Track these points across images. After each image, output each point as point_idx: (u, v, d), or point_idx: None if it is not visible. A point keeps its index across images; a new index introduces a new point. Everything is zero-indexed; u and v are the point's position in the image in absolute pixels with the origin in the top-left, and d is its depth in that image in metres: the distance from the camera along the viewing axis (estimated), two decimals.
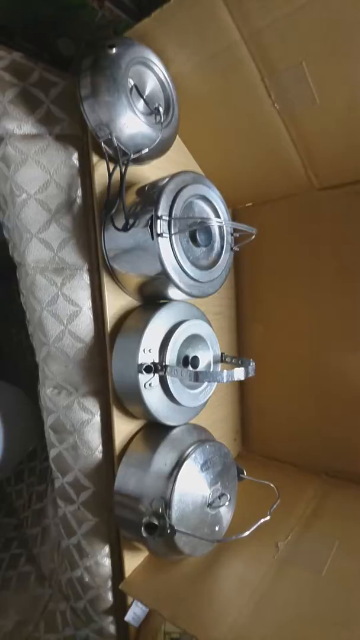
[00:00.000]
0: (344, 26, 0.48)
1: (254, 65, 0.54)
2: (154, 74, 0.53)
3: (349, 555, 0.58)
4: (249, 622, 0.49)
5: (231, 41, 0.52)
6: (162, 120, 0.53)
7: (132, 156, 0.51)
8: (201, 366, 0.59)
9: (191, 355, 0.57)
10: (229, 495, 0.57)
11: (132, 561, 0.60)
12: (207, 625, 0.49)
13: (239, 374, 0.50)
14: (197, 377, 0.49)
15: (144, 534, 0.49)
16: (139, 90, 0.51)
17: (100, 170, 0.54)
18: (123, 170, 0.50)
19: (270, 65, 0.53)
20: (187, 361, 0.57)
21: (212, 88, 0.59)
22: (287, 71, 0.53)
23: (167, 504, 0.50)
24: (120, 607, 0.61)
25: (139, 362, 0.51)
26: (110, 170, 0.52)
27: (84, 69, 0.48)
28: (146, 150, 0.51)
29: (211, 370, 0.60)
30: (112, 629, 0.62)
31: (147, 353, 0.52)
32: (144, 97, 0.51)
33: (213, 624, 0.49)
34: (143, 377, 0.52)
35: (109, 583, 0.60)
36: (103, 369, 0.57)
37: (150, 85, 0.53)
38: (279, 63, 0.53)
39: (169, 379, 0.53)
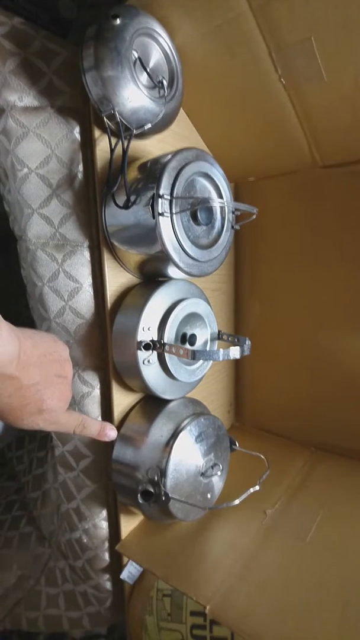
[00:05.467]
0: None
1: (262, 38, 0.52)
2: (158, 46, 0.51)
3: (331, 524, 0.61)
4: (235, 582, 0.53)
5: (239, 12, 0.50)
6: (165, 95, 0.52)
7: (135, 132, 0.50)
8: (199, 343, 0.60)
9: (189, 332, 0.58)
10: (221, 466, 0.60)
11: (128, 524, 0.64)
12: (197, 583, 0.53)
13: (234, 352, 0.52)
14: (195, 356, 0.50)
15: (140, 501, 0.52)
16: (142, 63, 0.49)
17: (102, 145, 0.53)
18: (125, 146, 0.50)
19: (278, 38, 0.52)
20: (185, 338, 0.58)
21: (217, 60, 0.57)
22: (296, 46, 0.52)
23: (163, 473, 0.53)
24: (116, 566, 0.65)
25: (138, 339, 0.53)
26: (112, 145, 0.51)
27: (87, 39, 0.47)
28: (149, 125, 0.51)
29: (208, 348, 0.61)
30: (108, 585, 0.66)
31: (146, 331, 0.54)
32: (148, 70, 0.50)
33: (202, 582, 0.53)
34: (142, 354, 0.53)
35: (106, 544, 0.64)
36: (103, 345, 0.58)
37: (155, 57, 0.51)
38: (288, 37, 0.51)
39: (166, 355, 0.54)
